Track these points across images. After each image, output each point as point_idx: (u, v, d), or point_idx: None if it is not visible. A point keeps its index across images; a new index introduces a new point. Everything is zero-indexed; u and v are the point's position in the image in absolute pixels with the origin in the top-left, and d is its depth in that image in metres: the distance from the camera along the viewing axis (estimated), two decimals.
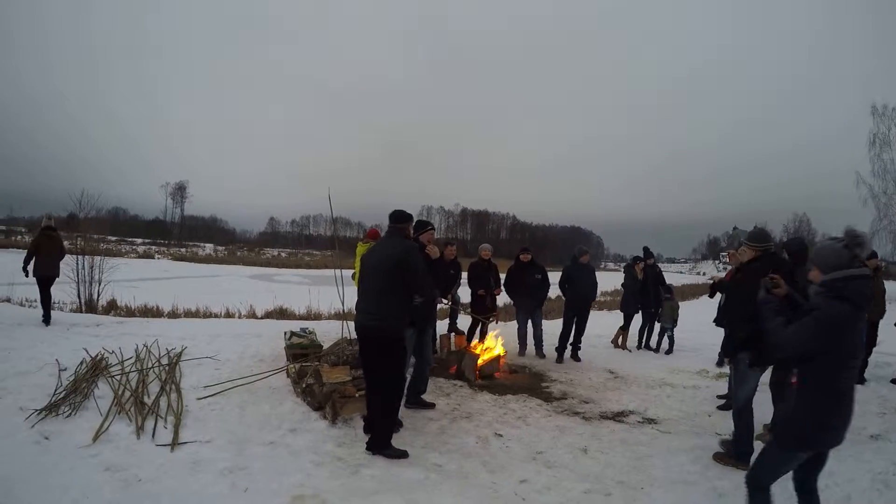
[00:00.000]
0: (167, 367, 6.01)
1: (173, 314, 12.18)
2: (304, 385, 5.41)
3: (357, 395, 5.01)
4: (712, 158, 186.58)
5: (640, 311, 10.03)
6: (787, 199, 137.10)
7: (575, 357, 8.68)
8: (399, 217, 4.61)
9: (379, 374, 4.39)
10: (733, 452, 4.51)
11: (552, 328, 9.44)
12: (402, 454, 4.25)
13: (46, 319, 8.40)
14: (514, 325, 9.21)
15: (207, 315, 12.29)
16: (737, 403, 4.59)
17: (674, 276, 46.15)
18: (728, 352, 4.86)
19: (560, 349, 8.63)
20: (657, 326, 10.07)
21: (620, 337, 9.97)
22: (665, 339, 9.89)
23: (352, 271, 7.52)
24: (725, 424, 5.70)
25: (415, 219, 4.93)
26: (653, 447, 4.84)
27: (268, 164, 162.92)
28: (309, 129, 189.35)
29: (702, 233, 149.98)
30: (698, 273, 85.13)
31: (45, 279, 8.51)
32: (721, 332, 5.74)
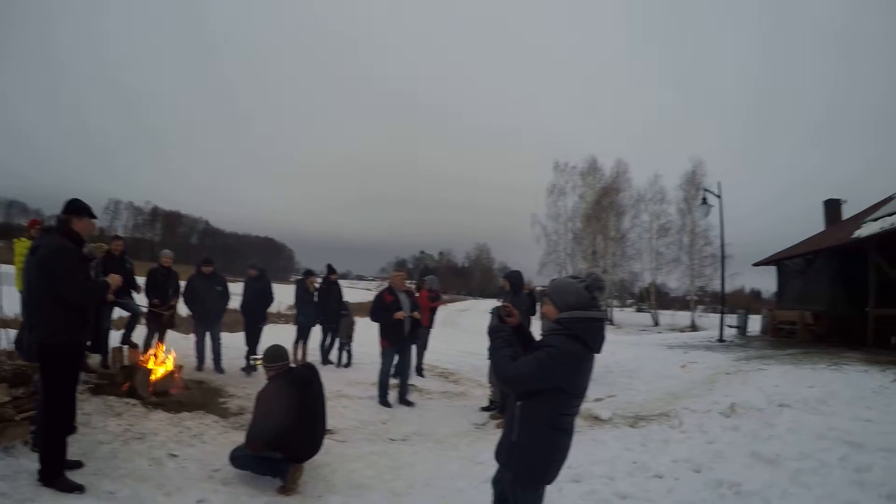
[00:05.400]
0: None
1: None
2: None
3: (18, 417, 4.21)
4: (396, 180, 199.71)
5: (321, 327, 10.25)
6: (471, 226, 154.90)
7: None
8: (65, 207, 3.98)
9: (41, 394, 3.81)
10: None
11: (233, 342, 9.13)
12: (76, 487, 3.73)
13: None
14: (192, 337, 8.75)
15: None
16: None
17: (361, 292, 48.37)
18: None
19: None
20: (336, 341, 10.42)
21: (300, 350, 10.01)
22: (343, 354, 10.28)
23: (12, 269, 6.30)
24: (399, 430, 6.21)
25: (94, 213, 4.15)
26: (330, 456, 5.06)
27: None
28: None
29: (391, 253, 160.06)
30: None
31: None
32: None
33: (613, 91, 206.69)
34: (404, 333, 7.60)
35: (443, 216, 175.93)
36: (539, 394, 2.67)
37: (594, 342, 2.71)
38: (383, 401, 7.45)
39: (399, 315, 7.37)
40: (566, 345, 2.63)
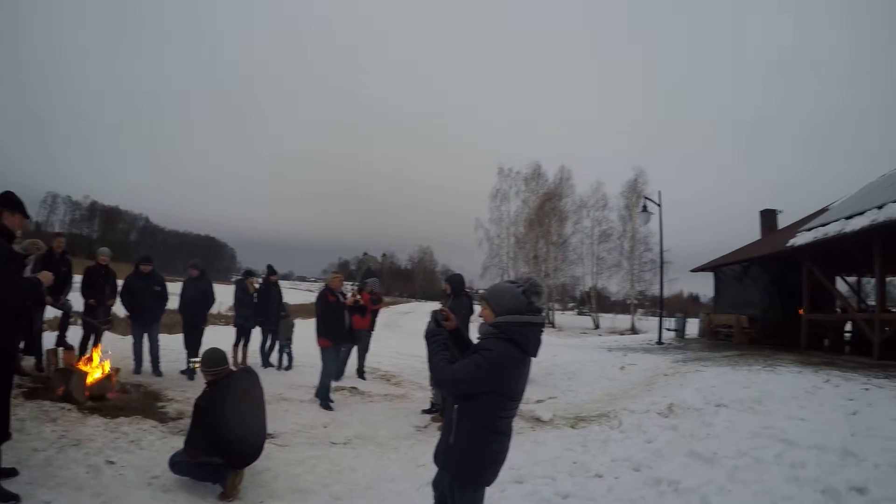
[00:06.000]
0: None
1: None
2: None
3: None
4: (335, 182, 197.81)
5: (261, 328, 10.04)
6: (414, 228, 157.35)
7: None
8: None
9: None
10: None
11: (172, 344, 8.85)
12: (11, 497, 3.55)
13: None
14: (129, 339, 8.41)
15: None
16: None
17: (303, 294, 47.70)
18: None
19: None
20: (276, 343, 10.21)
21: (240, 353, 9.74)
22: (284, 356, 10.08)
23: None
24: (341, 433, 6.12)
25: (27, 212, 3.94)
26: (271, 461, 4.96)
27: None
28: None
29: (334, 254, 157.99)
30: None
31: None
32: None
33: (563, 96, 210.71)
34: (345, 331, 7.73)
35: (387, 218, 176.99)
36: (475, 397, 2.69)
37: (530, 346, 2.73)
38: (325, 404, 7.34)
39: (349, 300, 7.88)
40: (501, 348, 2.66)
